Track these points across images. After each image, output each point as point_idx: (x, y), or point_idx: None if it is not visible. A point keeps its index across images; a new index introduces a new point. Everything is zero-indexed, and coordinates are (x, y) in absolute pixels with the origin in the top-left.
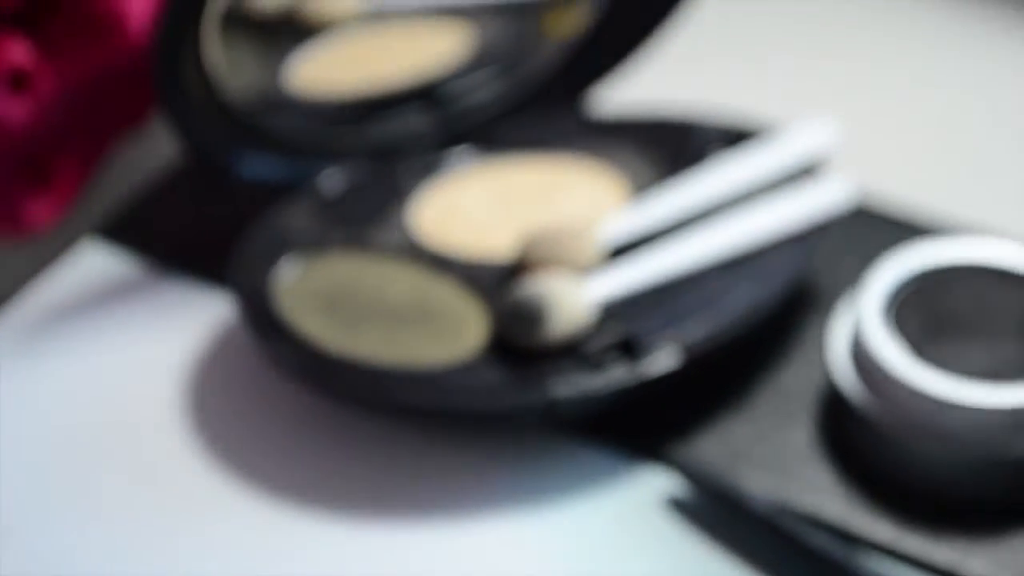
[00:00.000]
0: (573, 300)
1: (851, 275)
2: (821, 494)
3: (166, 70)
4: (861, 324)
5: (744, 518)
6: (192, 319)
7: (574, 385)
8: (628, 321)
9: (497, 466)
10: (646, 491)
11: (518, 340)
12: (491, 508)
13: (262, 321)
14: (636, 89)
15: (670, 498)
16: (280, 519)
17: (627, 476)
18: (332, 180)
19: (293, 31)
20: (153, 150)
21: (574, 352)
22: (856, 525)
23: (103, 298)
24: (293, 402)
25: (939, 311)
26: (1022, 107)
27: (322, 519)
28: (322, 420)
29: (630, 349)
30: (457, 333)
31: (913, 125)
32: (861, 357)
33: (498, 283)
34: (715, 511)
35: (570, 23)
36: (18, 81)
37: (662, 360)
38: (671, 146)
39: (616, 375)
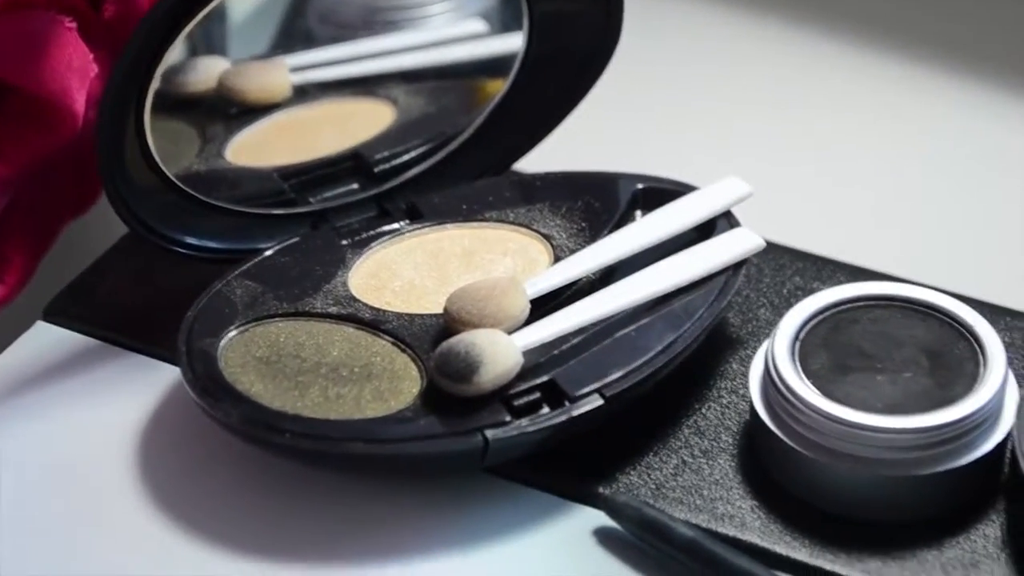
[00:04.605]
0: (501, 352)
1: (769, 316)
2: (741, 520)
3: (108, 153)
4: (774, 358)
5: (668, 546)
6: (141, 386)
7: (504, 429)
8: (554, 368)
9: (434, 510)
10: (576, 526)
11: (451, 391)
12: (429, 550)
13: (207, 383)
14: (556, 153)
15: (598, 531)
16: (228, 569)
17: (558, 513)
18: (270, 248)
19: (226, 108)
20: (100, 228)
21: (504, 399)
22: (774, 548)
23: (54, 372)
24: (238, 458)
25: (847, 345)
26: (923, 158)
27: (269, 567)
28: (266, 475)
29: (556, 393)
30: (394, 387)
31: (818, 178)
32: (774, 388)
33: (431, 338)
34: (642, 541)
35: (496, 93)
36: None
37: (586, 402)
38: (591, 204)
39: (543, 418)
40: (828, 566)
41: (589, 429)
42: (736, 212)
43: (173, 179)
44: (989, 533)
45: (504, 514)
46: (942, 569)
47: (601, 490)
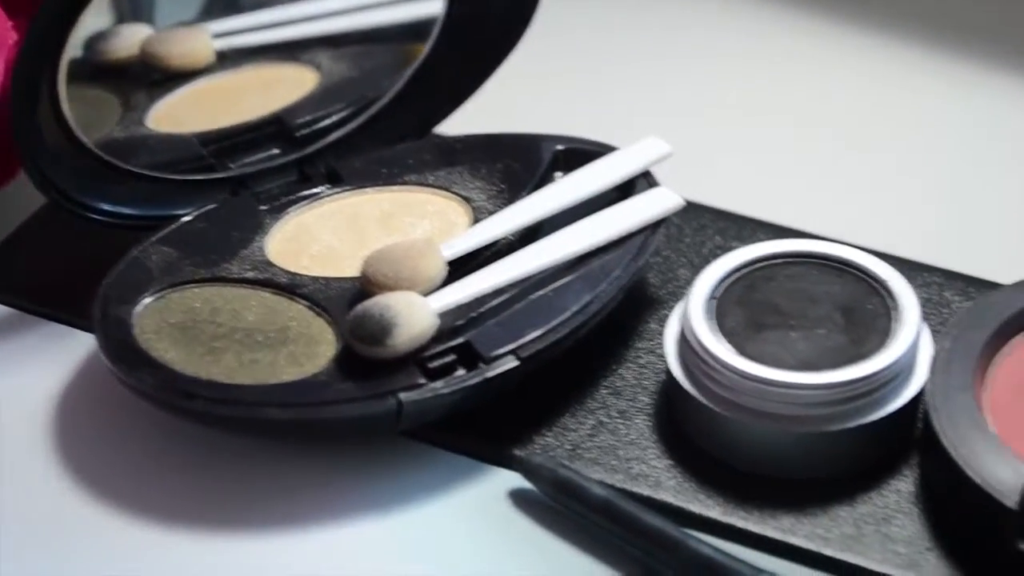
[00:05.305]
0: (416, 314)
1: (689, 276)
2: (656, 480)
3: (23, 119)
4: (688, 317)
5: (582, 506)
6: (59, 355)
7: (418, 391)
8: (469, 330)
9: (351, 474)
10: (492, 488)
11: (365, 354)
12: (345, 515)
13: (121, 350)
14: (478, 116)
15: (514, 493)
16: (145, 537)
17: (474, 475)
18: (188, 214)
19: (146, 74)
20: (18, 197)
21: (419, 362)
22: (688, 506)
23: None
24: (156, 426)
25: (763, 302)
26: (847, 117)
27: (186, 534)
28: (184, 442)
29: (471, 355)
30: (310, 352)
31: (742, 138)
32: (687, 346)
33: (347, 302)
34: (556, 502)
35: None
36: None
37: (501, 363)
38: (511, 166)
39: (457, 380)
40: (740, 524)
41: (506, 390)
42: (660, 173)
43: (90, 146)
44: (902, 488)
45: (421, 477)
46: (855, 524)
47: (517, 452)
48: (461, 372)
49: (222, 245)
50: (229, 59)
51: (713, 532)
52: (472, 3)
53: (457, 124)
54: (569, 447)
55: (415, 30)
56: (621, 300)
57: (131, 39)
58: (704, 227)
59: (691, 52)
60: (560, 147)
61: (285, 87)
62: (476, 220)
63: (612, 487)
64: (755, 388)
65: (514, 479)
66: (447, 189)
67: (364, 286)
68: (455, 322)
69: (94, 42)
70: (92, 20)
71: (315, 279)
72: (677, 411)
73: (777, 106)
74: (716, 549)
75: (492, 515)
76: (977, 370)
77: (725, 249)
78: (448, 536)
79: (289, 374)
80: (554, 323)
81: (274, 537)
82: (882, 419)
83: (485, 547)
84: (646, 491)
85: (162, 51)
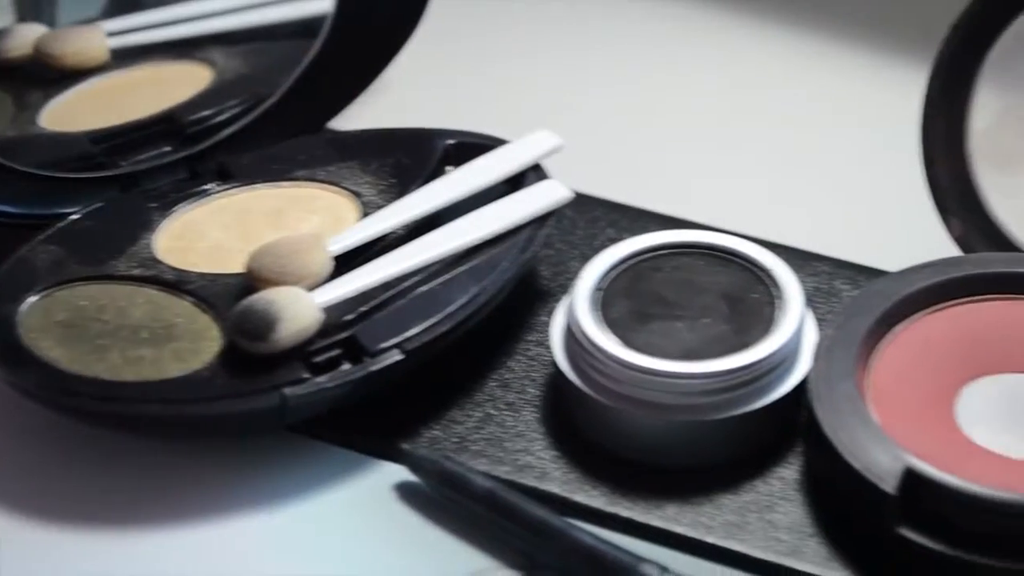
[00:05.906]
0: (299, 309)
1: (580, 268)
2: (542, 470)
3: None
4: (573, 308)
5: (466, 498)
6: None
7: (302, 386)
8: (356, 324)
9: (238, 470)
10: (378, 482)
11: (249, 349)
12: (232, 510)
13: (5, 350)
14: (370, 112)
15: (400, 486)
16: (31, 535)
17: (361, 469)
18: (77, 212)
19: (41, 73)
20: None
21: (303, 356)
22: (573, 496)
23: None
24: (41, 426)
25: (649, 293)
26: (729, 109)
27: (74, 533)
28: (73, 440)
29: (356, 349)
30: (195, 348)
31: (640, 132)
32: (572, 337)
33: (233, 297)
34: (442, 495)
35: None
36: None
37: (386, 356)
38: (402, 160)
39: (342, 374)
40: (625, 513)
41: (392, 384)
42: (552, 166)
43: None
44: (786, 475)
45: (306, 472)
46: (738, 512)
47: (402, 445)
48: (346, 366)
49: (110, 243)
50: (124, 57)
51: (598, 522)
52: (362, 0)
53: (349, 120)
54: (456, 440)
55: (306, 27)
56: (512, 293)
57: (25, 38)
58: (596, 219)
59: (581, 45)
60: (451, 141)
61: (179, 85)
62: (365, 215)
63: (498, 479)
64: (638, 378)
65: (400, 473)
66: (337, 184)
67: (250, 281)
68: (341, 317)
69: None
70: None
71: (202, 275)
72: (564, 402)
73: (667, 98)
74: (599, 538)
75: (378, 509)
76: (860, 357)
77: (617, 241)
78: (334, 530)
79: (174, 370)
80: (440, 316)
81: (160, 534)
82: (766, 407)
83: (371, 541)
84: (532, 482)
85: (56, 50)
